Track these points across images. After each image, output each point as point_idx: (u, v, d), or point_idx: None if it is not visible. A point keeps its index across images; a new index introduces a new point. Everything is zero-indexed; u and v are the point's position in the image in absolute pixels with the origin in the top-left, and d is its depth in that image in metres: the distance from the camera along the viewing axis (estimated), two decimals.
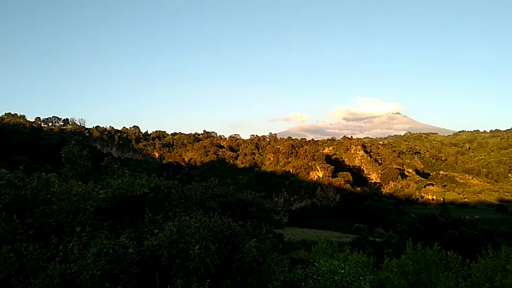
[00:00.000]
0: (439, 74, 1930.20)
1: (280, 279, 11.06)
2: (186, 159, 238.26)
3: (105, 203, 12.35)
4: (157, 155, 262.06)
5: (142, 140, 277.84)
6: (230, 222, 10.62)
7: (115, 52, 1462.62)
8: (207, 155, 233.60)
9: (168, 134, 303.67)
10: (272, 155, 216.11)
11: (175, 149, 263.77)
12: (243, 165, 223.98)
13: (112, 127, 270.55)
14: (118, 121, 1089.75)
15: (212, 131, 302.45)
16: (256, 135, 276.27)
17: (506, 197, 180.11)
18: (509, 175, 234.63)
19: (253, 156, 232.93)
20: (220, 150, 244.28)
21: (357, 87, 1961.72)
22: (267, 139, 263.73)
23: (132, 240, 10.56)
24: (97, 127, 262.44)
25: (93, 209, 12.27)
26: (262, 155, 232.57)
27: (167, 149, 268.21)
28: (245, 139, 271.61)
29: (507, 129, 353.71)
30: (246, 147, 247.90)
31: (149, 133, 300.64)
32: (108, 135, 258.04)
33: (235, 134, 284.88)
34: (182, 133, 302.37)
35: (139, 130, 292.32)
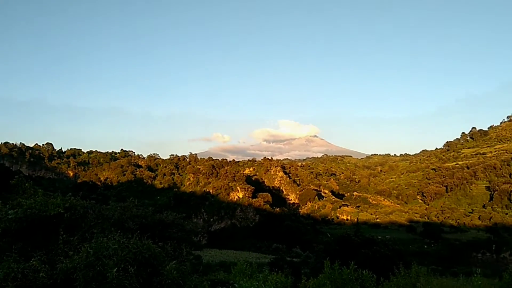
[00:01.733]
0: (352, 100, 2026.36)
1: None
2: (102, 178, 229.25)
3: (14, 224, 11.58)
4: (71, 174, 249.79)
5: (55, 157, 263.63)
6: (149, 244, 10.35)
7: (25, 61, 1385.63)
8: (124, 175, 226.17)
9: (83, 152, 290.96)
10: (192, 175, 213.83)
11: (91, 168, 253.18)
12: (162, 186, 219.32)
13: (23, 144, 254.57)
14: (29, 138, 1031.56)
15: (130, 150, 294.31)
16: (176, 154, 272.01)
17: (415, 217, 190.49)
18: (418, 197, 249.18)
19: (172, 176, 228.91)
20: (138, 169, 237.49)
21: (277, 110, 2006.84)
22: (187, 159, 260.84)
23: (43, 263, 9.93)
24: (5, 143, 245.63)
25: (1, 231, 11.47)
26: (181, 175, 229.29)
27: (82, 167, 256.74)
28: (164, 158, 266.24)
29: (415, 154, 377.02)
30: (165, 166, 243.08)
31: (63, 150, 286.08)
32: (18, 152, 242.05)
33: (154, 154, 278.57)
34: (99, 152, 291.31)
35: (53, 147, 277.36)
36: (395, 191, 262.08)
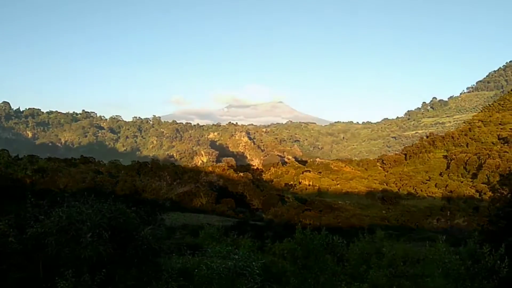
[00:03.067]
0: (318, 66, 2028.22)
1: (176, 267, 10.84)
2: (62, 140, 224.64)
3: None
4: (30, 135, 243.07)
5: (13, 117, 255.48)
6: (124, 208, 10.14)
7: None
8: (86, 136, 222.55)
9: (43, 112, 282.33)
10: (156, 138, 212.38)
11: (51, 129, 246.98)
12: (124, 148, 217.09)
13: None
14: None
15: (92, 111, 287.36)
16: (139, 117, 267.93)
17: (374, 184, 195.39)
18: (378, 164, 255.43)
19: (135, 139, 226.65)
20: (100, 131, 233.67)
21: (242, 74, 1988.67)
22: (151, 122, 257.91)
23: (12, 228, 9.62)
24: None
25: None
26: (145, 138, 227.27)
27: (42, 128, 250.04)
28: (127, 121, 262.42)
29: (377, 122, 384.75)
30: (128, 129, 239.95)
31: (21, 110, 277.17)
32: None
33: (116, 115, 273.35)
34: (59, 112, 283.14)
35: (10, 107, 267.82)
36: (356, 158, 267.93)
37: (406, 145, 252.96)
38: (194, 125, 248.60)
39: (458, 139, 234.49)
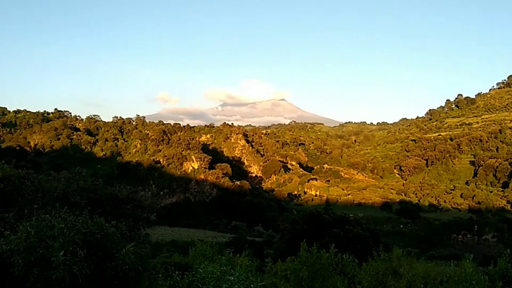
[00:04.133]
0: (326, 62, 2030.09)
1: None
2: (32, 143, 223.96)
3: None
4: None
5: None
6: (102, 222, 10.06)
7: None
8: (59, 139, 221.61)
9: (9, 111, 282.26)
10: (139, 141, 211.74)
11: (19, 130, 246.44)
12: (103, 153, 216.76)
13: None
14: None
15: (66, 110, 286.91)
16: (120, 117, 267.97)
17: (391, 194, 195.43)
18: (395, 171, 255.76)
19: (115, 142, 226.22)
20: (75, 133, 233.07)
21: (238, 68, 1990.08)
22: (134, 123, 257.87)
23: None
24: None
25: None
26: (127, 142, 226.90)
27: (8, 129, 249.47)
28: (106, 121, 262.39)
29: (394, 122, 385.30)
30: (108, 131, 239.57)
31: None
32: None
33: (94, 115, 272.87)
34: (28, 111, 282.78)
35: None
36: (370, 164, 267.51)
37: (428, 149, 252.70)
38: (184, 126, 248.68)
39: (487, 142, 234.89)
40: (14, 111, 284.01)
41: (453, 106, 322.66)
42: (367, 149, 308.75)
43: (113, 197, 16.77)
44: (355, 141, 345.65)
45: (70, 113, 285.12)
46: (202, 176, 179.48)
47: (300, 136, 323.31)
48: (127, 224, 12.20)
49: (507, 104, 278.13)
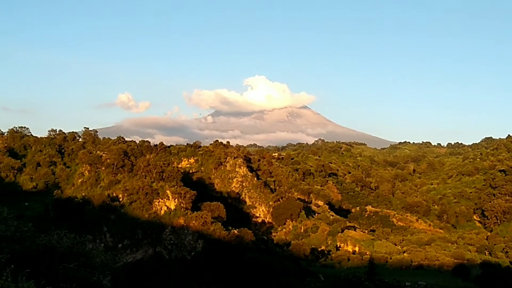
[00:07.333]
0: (368, 60, 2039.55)
1: None
2: None
3: None
4: None
5: None
6: None
7: None
8: None
9: None
10: (88, 167, 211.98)
11: None
12: (34, 184, 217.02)
13: None
14: None
15: None
16: (60, 130, 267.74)
17: (469, 252, 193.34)
18: (475, 217, 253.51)
19: (52, 168, 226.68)
20: None
21: (239, 61, 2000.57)
22: (80, 139, 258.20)
23: None
24: None
25: None
26: (69, 168, 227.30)
27: None
28: (39, 136, 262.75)
29: (473, 143, 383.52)
30: (41, 151, 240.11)
31: None
32: None
33: (20, 127, 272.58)
34: None
35: None
36: (436, 207, 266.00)
37: None
38: (155, 146, 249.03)
39: None
40: None
41: None
42: (432, 184, 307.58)
43: (49, 251, 16.52)
44: (414, 171, 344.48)
45: None
46: (181, 221, 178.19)
47: (331, 163, 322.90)
48: None
49: None
